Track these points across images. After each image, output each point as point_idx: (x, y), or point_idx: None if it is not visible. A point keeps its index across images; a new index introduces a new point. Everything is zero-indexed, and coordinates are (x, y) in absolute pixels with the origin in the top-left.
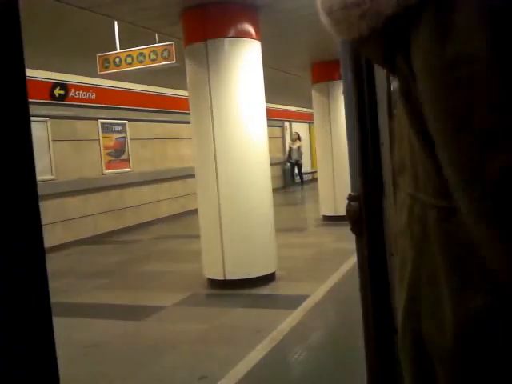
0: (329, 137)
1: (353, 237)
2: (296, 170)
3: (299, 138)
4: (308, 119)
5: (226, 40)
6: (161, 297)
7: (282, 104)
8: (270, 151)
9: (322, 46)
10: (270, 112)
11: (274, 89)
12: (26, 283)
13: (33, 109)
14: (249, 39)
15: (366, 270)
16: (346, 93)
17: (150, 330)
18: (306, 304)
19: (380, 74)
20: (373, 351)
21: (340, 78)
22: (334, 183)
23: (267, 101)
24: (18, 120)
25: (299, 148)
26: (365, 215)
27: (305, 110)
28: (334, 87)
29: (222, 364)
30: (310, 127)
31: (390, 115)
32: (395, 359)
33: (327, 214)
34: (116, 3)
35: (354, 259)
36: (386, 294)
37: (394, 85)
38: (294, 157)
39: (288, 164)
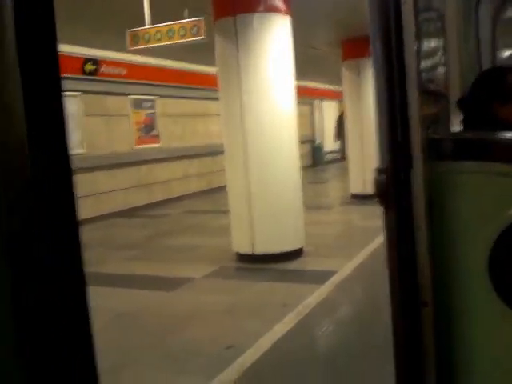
0: (359, 115)
1: (381, 215)
2: None
3: None
4: (337, 97)
5: (256, 15)
6: (190, 269)
7: (312, 81)
8: (299, 129)
9: (353, 21)
10: (299, 89)
11: (303, 66)
12: (62, 254)
13: (64, 83)
14: (279, 14)
15: (394, 243)
16: (374, 66)
17: (178, 301)
18: (333, 279)
19: (410, 48)
20: (400, 326)
21: (371, 56)
22: (364, 161)
23: (296, 78)
24: (52, 94)
25: None
26: (393, 188)
27: (334, 87)
28: (364, 65)
29: (248, 335)
30: (339, 105)
31: (420, 88)
32: (422, 334)
33: (356, 193)
34: None
35: (382, 237)
36: (414, 268)
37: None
38: None
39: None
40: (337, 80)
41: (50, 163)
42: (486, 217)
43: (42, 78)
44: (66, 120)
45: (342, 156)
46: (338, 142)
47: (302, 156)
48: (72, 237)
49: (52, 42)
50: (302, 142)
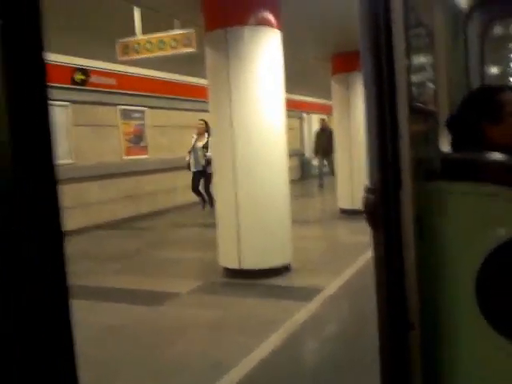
0: (348, 129)
1: (369, 231)
2: (201, 184)
3: (207, 131)
4: (326, 111)
5: (247, 28)
6: (176, 283)
7: (301, 95)
8: (288, 142)
9: (343, 36)
10: (288, 102)
11: (292, 79)
12: (45, 266)
13: (54, 93)
14: (269, 28)
15: (382, 264)
16: (365, 84)
17: (164, 316)
18: (321, 296)
19: (401, 67)
20: (387, 347)
21: (360, 70)
22: (352, 176)
23: (286, 91)
24: (38, 104)
25: (204, 147)
26: (381, 208)
27: (323, 101)
28: (353, 79)
29: (235, 352)
30: (328, 119)
31: (410, 108)
32: (409, 356)
33: (344, 207)
34: None
35: (370, 253)
36: (402, 289)
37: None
38: (198, 161)
39: (195, 171)
40: (326, 94)
41: (34, 174)
42: (474, 238)
43: (28, 87)
44: (52, 130)
45: (331, 171)
46: (316, 159)
47: (290, 169)
48: (56, 248)
49: (39, 51)
50: (291, 155)
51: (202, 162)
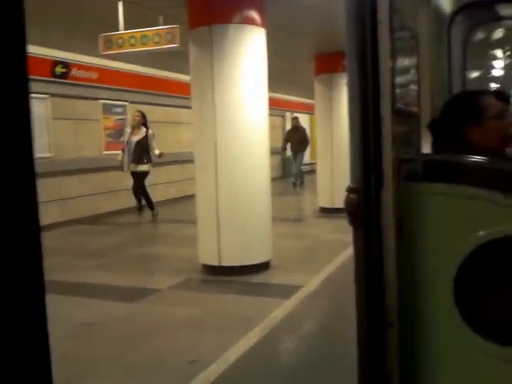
0: (330, 129)
1: (349, 229)
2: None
3: (145, 124)
4: (309, 110)
5: (231, 26)
6: (155, 280)
7: (284, 93)
8: (270, 140)
9: (327, 37)
10: (271, 101)
11: (276, 78)
12: (20, 260)
13: (33, 86)
14: (254, 26)
15: (362, 264)
16: (349, 84)
17: (142, 313)
18: (300, 294)
19: (385, 68)
20: (365, 346)
21: (343, 71)
22: (333, 175)
23: (269, 90)
24: (18, 96)
25: (144, 142)
26: (363, 208)
27: (306, 100)
28: (337, 79)
29: (212, 349)
30: (310, 118)
31: (394, 109)
32: (387, 354)
33: (325, 206)
34: None
35: (349, 251)
36: (381, 288)
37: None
38: (130, 157)
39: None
40: (309, 93)
41: (12, 167)
42: (454, 239)
43: (8, 79)
44: (32, 122)
45: (312, 168)
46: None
47: (272, 167)
48: (32, 242)
49: (21, 43)
50: (273, 153)
51: (137, 157)
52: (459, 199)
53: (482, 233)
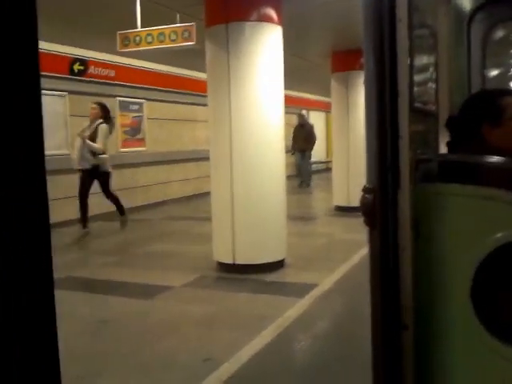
0: (346, 127)
1: (364, 228)
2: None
3: (106, 117)
4: (325, 108)
5: (248, 24)
6: (169, 277)
7: (300, 91)
8: (286, 138)
9: (344, 34)
10: (287, 99)
11: (292, 75)
12: (29, 257)
13: (52, 83)
14: (271, 24)
15: (377, 264)
16: (366, 83)
17: (156, 310)
18: (314, 293)
19: (403, 67)
20: (379, 347)
21: (360, 69)
22: (349, 174)
23: (285, 87)
24: (29, 93)
25: (94, 137)
26: (379, 208)
27: (322, 98)
28: (353, 77)
29: (226, 347)
30: (326, 116)
31: (411, 108)
32: (402, 356)
33: (340, 205)
34: None
35: (364, 251)
36: (397, 289)
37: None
38: (84, 156)
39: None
40: (325, 91)
41: (22, 163)
42: (471, 240)
43: (18, 76)
44: (42, 120)
45: (327, 166)
46: (324, 153)
47: (287, 165)
48: (41, 239)
49: (32, 39)
50: (289, 151)
51: (90, 157)
52: (477, 200)
53: (499, 234)
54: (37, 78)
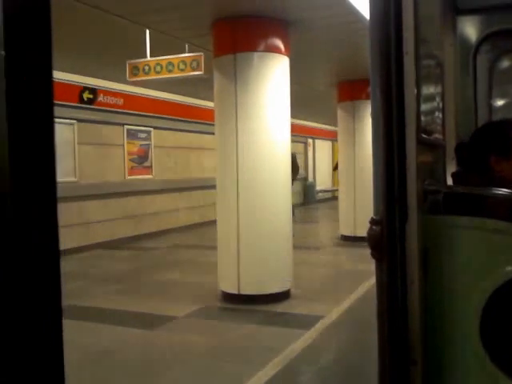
0: (352, 156)
1: (370, 259)
2: None
3: None
4: (331, 136)
5: (256, 54)
6: (173, 307)
7: (306, 120)
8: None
9: (350, 65)
10: (293, 127)
11: (298, 104)
12: (39, 284)
13: (61, 111)
14: (278, 54)
15: (385, 298)
16: (373, 113)
17: (160, 341)
18: (320, 325)
19: (410, 99)
20: (387, 382)
21: (366, 98)
22: (355, 203)
23: (292, 116)
24: (43, 121)
25: None
26: (386, 240)
27: (328, 127)
28: (359, 107)
29: (230, 381)
30: (332, 145)
31: (419, 139)
32: None
33: (346, 234)
34: (149, 12)
35: (370, 282)
36: (405, 323)
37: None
38: None
39: None
40: (331, 120)
41: (34, 190)
42: (480, 274)
43: (33, 106)
44: (55, 148)
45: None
46: (330, 182)
47: (293, 194)
48: (51, 266)
49: (47, 68)
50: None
51: None
52: (485, 233)
53: (509, 268)
54: (50, 107)
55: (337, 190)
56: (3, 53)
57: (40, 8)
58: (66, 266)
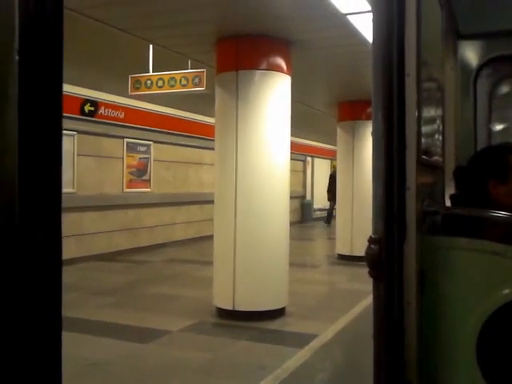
0: (350, 176)
1: (367, 278)
2: None
3: None
4: (330, 155)
5: (258, 72)
6: (167, 321)
7: (306, 138)
8: (291, 185)
9: (351, 85)
10: (293, 146)
11: (299, 123)
12: (40, 293)
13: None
14: (279, 73)
15: (382, 318)
16: (374, 134)
17: (152, 355)
18: (314, 344)
19: (411, 120)
20: None
21: (366, 119)
22: (353, 222)
23: (291, 134)
24: (52, 133)
25: None
26: (384, 260)
27: (328, 146)
28: (359, 127)
29: None
30: (331, 163)
31: (419, 160)
32: None
33: (343, 253)
34: (153, 28)
35: (366, 301)
36: (401, 343)
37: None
38: None
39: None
40: (330, 139)
41: (40, 201)
42: (478, 296)
43: (42, 115)
44: (61, 160)
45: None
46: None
47: (291, 211)
48: (54, 278)
49: (57, 82)
50: (293, 197)
51: None
52: (484, 255)
53: (507, 291)
54: (59, 112)
55: (335, 209)
56: (17, 58)
57: (53, 16)
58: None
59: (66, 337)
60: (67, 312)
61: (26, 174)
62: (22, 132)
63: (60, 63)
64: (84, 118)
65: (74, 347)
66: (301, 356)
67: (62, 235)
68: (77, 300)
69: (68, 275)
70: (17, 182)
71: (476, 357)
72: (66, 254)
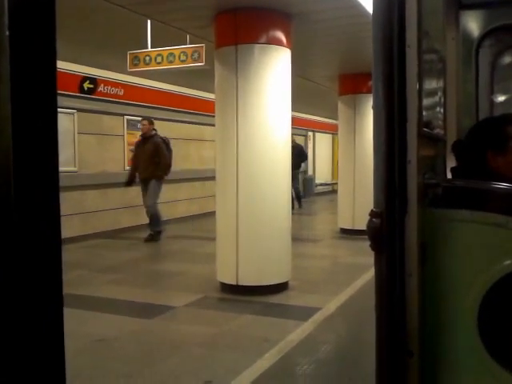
0: (352, 150)
1: (369, 252)
2: None
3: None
4: (332, 130)
5: (257, 46)
6: (172, 297)
7: (307, 113)
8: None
9: (351, 58)
10: (294, 120)
11: (299, 97)
12: (40, 272)
13: (61, 100)
14: (280, 47)
15: (384, 290)
16: (375, 107)
17: (158, 330)
18: (317, 317)
19: (413, 92)
20: (384, 374)
21: (367, 92)
22: (354, 196)
23: (292, 109)
24: (46, 110)
25: None
26: (386, 233)
27: (329, 120)
28: (360, 100)
29: (227, 370)
30: (333, 138)
31: (420, 133)
32: (406, 383)
33: (345, 227)
34: (151, 2)
35: (369, 275)
36: (403, 315)
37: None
38: None
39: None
40: (332, 113)
41: (36, 179)
42: (479, 267)
43: (35, 92)
44: (57, 137)
45: (333, 188)
46: (330, 175)
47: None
48: (52, 256)
49: (51, 59)
50: None
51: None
52: (485, 227)
53: (508, 261)
54: (53, 96)
55: (336, 183)
56: (8, 33)
57: None
58: (65, 255)
59: (72, 314)
60: (72, 289)
61: (21, 153)
62: (15, 110)
63: (53, 38)
64: (83, 95)
65: (80, 324)
66: (304, 329)
67: (66, 213)
68: (82, 277)
69: (72, 253)
70: (12, 164)
71: (477, 328)
72: (71, 232)
